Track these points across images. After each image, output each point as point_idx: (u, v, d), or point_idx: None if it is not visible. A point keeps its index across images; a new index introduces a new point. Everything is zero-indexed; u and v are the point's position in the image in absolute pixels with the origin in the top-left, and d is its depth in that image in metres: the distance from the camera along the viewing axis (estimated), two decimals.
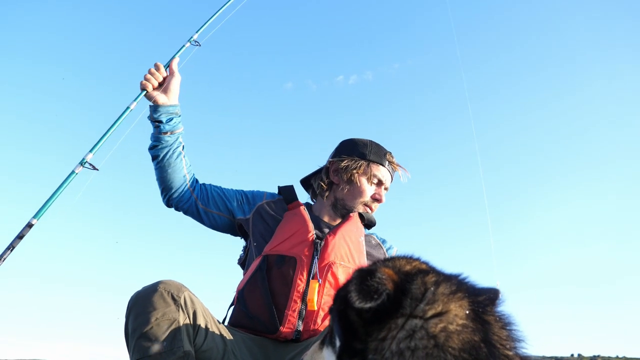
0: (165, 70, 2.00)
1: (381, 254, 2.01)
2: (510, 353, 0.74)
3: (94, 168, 1.71)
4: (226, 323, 1.83)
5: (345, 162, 1.99)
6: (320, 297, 1.71)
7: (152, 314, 1.37)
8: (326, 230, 1.89)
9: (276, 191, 2.08)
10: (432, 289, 0.79)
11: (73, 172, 1.67)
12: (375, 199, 2.02)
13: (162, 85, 1.97)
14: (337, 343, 0.86)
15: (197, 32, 2.22)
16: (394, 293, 0.79)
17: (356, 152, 2.02)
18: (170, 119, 1.93)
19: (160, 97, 1.92)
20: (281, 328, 1.68)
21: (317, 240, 1.81)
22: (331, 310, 0.90)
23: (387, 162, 2.03)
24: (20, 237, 1.46)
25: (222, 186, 2.09)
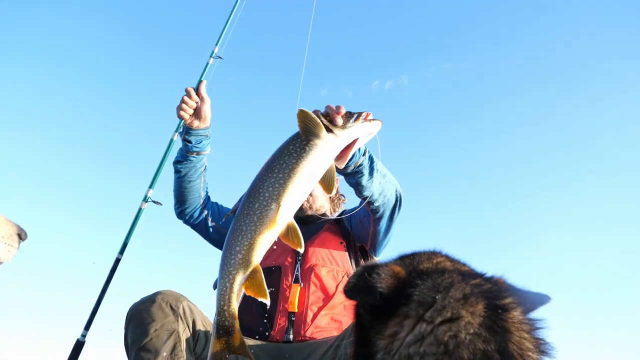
0: (195, 94, 2.06)
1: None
2: None
3: (158, 203, 2.10)
4: None
5: None
6: (303, 299, 1.77)
7: (150, 325, 1.40)
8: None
9: None
10: (443, 292, 0.76)
11: (140, 209, 2.10)
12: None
13: (196, 111, 2.04)
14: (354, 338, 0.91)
15: (216, 44, 2.30)
16: (394, 292, 0.79)
17: None
18: (200, 141, 2.02)
19: (194, 122, 2.01)
20: (272, 332, 1.75)
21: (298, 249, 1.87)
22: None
23: None
24: (112, 271, 1.97)
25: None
